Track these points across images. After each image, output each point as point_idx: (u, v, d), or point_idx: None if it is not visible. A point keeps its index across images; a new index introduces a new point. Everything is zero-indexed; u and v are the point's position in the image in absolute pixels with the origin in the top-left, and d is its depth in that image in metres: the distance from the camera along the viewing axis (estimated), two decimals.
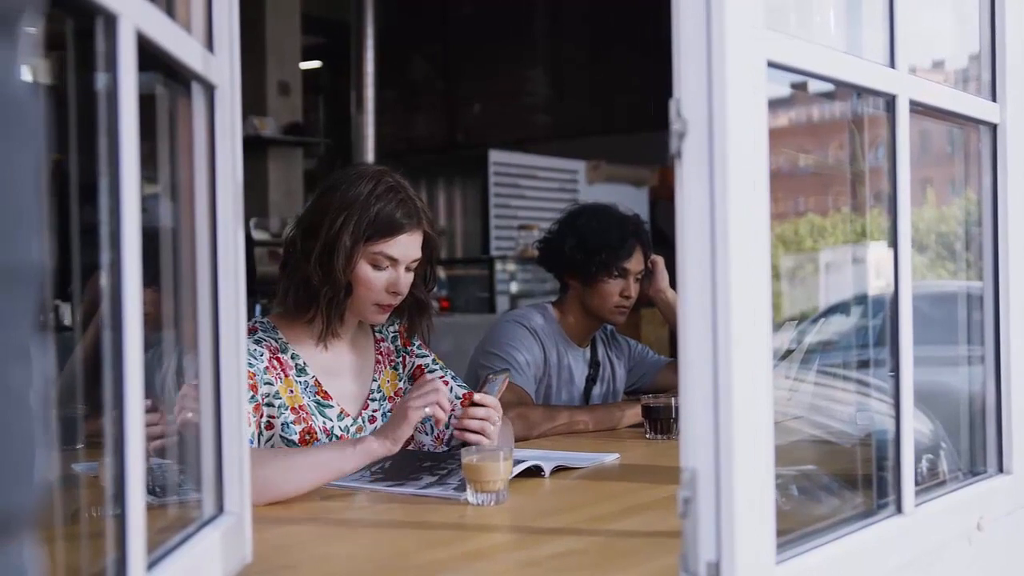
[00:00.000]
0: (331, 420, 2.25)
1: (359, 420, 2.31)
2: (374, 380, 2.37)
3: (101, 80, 1.04)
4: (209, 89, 1.37)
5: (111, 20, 1.02)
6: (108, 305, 1.03)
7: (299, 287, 2.23)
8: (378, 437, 2.02)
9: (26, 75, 0.60)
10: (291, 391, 2.21)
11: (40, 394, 0.61)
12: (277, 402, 2.18)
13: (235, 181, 1.41)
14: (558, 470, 2.22)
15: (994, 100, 1.84)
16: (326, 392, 2.27)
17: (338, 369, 2.32)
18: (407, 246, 2.24)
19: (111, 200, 1.03)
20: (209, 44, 1.38)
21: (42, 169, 0.61)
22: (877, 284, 1.97)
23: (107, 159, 1.03)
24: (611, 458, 2.39)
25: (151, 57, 1.14)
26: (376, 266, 2.22)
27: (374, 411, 2.35)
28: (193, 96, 1.36)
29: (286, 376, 2.22)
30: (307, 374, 2.25)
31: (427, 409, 2.01)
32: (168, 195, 1.41)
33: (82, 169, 1.06)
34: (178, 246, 1.40)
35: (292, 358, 2.25)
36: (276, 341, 2.25)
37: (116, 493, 1.03)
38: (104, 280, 1.05)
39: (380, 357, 2.41)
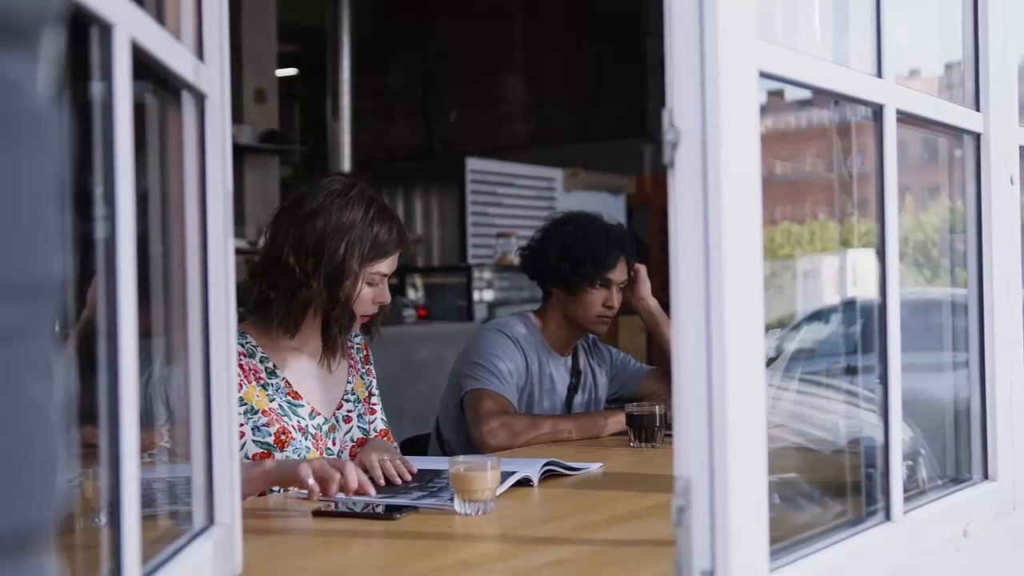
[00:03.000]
0: (303, 419, 2.32)
1: (332, 419, 2.39)
2: (348, 382, 2.46)
3: (95, 89, 1.03)
4: (200, 98, 1.37)
5: (106, 29, 1.01)
6: (103, 315, 1.02)
7: (300, 308, 2.29)
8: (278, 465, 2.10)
9: (46, 88, 0.60)
10: (259, 395, 2.27)
11: (59, 407, 0.60)
12: (243, 407, 2.23)
13: (225, 190, 1.41)
14: (547, 476, 2.22)
15: (977, 109, 1.86)
16: (296, 392, 2.34)
17: (311, 371, 2.39)
18: (395, 261, 2.38)
19: (106, 209, 1.02)
20: (199, 53, 1.37)
21: (62, 182, 0.61)
22: (856, 291, 1.98)
23: (102, 168, 1.02)
24: (595, 467, 2.39)
25: (142, 66, 1.13)
26: (370, 284, 2.33)
27: (348, 411, 2.44)
28: (183, 105, 1.35)
29: (250, 382, 2.27)
30: (278, 376, 2.32)
31: (311, 481, 1.94)
32: (157, 204, 1.40)
33: (74, 178, 1.06)
34: (167, 255, 1.39)
35: (261, 361, 2.32)
36: (243, 346, 2.30)
37: (112, 504, 1.02)
38: (91, 289, 1.04)
39: (352, 362, 2.50)
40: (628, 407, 2.77)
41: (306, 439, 2.30)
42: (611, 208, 7.58)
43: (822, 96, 1.63)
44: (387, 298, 2.37)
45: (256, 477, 2.06)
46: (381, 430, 2.49)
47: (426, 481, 2.17)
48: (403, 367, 5.71)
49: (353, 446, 2.41)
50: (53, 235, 0.59)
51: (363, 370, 2.53)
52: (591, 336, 3.25)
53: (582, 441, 2.83)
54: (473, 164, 8.23)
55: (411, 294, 7.50)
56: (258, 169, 7.75)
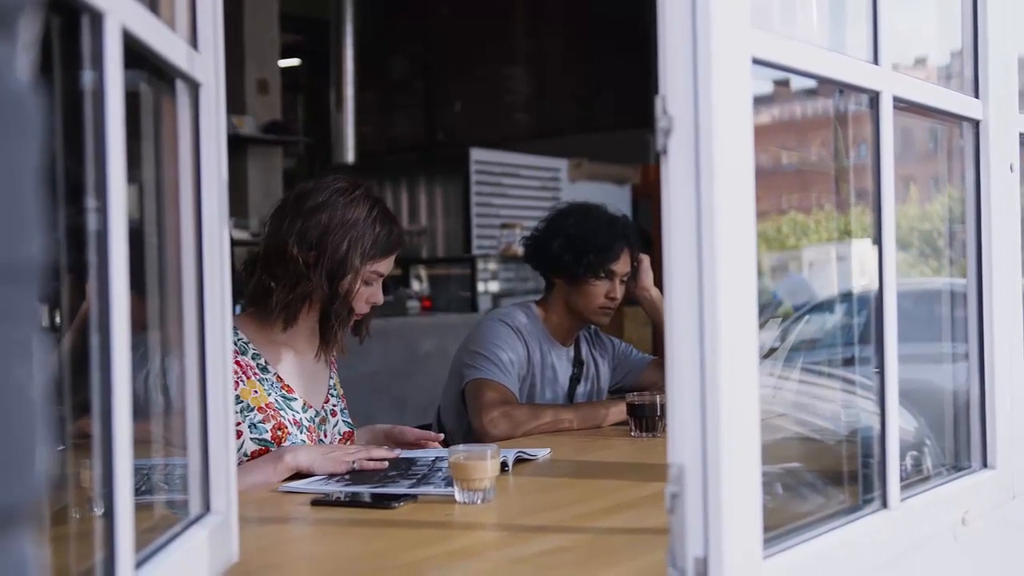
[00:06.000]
0: (297, 412, 2.36)
1: (322, 412, 2.44)
2: (331, 378, 2.52)
3: (87, 78, 1.03)
4: (194, 87, 1.37)
5: (97, 18, 1.01)
6: (95, 307, 1.03)
7: (299, 300, 2.33)
8: (297, 451, 2.17)
9: (24, 73, 0.60)
10: (255, 392, 2.30)
11: (40, 388, 0.61)
12: (239, 406, 2.25)
13: (220, 180, 1.41)
14: (518, 462, 2.27)
15: (977, 96, 1.85)
16: (289, 386, 2.37)
17: (298, 367, 2.42)
18: (392, 262, 2.42)
19: (98, 200, 1.02)
20: (194, 42, 1.37)
21: (41, 167, 0.61)
22: (860, 282, 1.98)
23: (93, 158, 1.02)
24: (544, 452, 2.42)
25: (135, 55, 1.13)
26: (366, 282, 2.37)
27: (333, 406, 2.49)
28: (177, 94, 1.35)
29: (248, 378, 2.30)
30: (269, 372, 2.35)
31: (355, 465, 2.17)
32: (152, 195, 1.40)
33: (66, 168, 1.06)
34: (162, 246, 1.39)
35: (253, 358, 2.34)
36: (235, 343, 2.31)
37: (105, 494, 1.02)
38: (89, 281, 1.05)
39: (332, 360, 2.55)
40: (629, 397, 2.78)
41: (301, 432, 2.32)
42: (616, 199, 7.58)
43: (823, 84, 1.62)
44: (380, 299, 2.43)
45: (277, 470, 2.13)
46: (345, 432, 2.51)
47: (405, 469, 2.17)
48: (406, 358, 5.72)
49: (340, 439, 2.45)
50: (33, 220, 0.59)
51: (337, 369, 2.59)
52: (593, 326, 3.25)
53: (583, 431, 2.83)
54: (477, 155, 8.23)
55: (415, 285, 7.51)
56: (261, 160, 7.75)
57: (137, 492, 1.14)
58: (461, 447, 1.99)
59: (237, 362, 2.28)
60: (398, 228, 2.41)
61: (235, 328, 2.33)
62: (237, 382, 2.25)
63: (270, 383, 2.33)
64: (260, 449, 2.25)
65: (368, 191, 2.39)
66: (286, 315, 2.33)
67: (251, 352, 2.34)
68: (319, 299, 2.34)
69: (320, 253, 2.30)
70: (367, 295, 2.38)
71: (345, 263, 2.31)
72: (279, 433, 2.28)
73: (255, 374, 2.32)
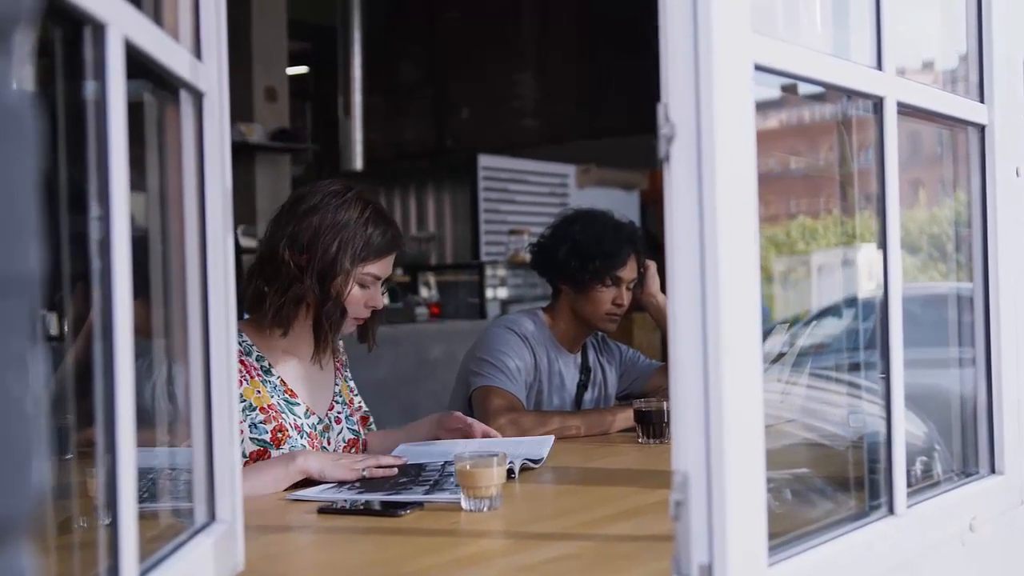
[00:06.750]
0: (299, 417, 2.36)
1: (326, 419, 2.43)
2: (336, 385, 2.51)
3: (89, 88, 1.04)
4: (197, 96, 1.37)
5: (99, 29, 1.01)
6: (98, 315, 1.03)
7: (292, 303, 2.32)
8: (307, 456, 2.16)
9: (21, 84, 0.60)
10: (258, 392, 2.31)
11: (36, 401, 0.61)
12: (241, 404, 2.25)
13: (224, 189, 1.41)
14: (524, 469, 2.26)
15: (982, 101, 1.85)
16: (292, 391, 2.37)
17: (303, 373, 2.42)
18: (390, 265, 2.40)
19: (101, 209, 1.03)
20: (197, 51, 1.37)
21: (38, 178, 0.61)
22: (869, 286, 1.97)
23: (96, 167, 1.03)
24: (548, 441, 2.46)
25: (139, 65, 1.14)
26: (362, 285, 2.36)
27: (338, 413, 2.49)
28: (181, 104, 1.36)
29: (252, 378, 2.31)
30: (273, 375, 2.35)
31: (365, 472, 2.16)
32: (156, 204, 1.40)
33: (69, 177, 1.06)
34: (167, 255, 1.39)
35: (257, 360, 2.35)
36: (240, 345, 2.32)
37: (108, 502, 1.03)
38: (94, 290, 1.05)
39: (338, 366, 2.54)
40: (636, 403, 2.77)
41: (301, 437, 2.32)
42: (624, 204, 7.57)
43: (827, 90, 1.62)
44: (379, 303, 2.40)
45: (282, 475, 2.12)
46: (350, 439, 2.51)
47: (415, 476, 2.17)
48: (416, 365, 5.72)
49: (345, 447, 2.44)
50: (30, 232, 0.60)
51: (346, 374, 2.58)
52: (600, 333, 3.24)
53: (590, 437, 2.82)
54: (485, 161, 8.24)
55: (424, 292, 7.50)
56: (269, 168, 7.75)
57: (141, 500, 1.14)
58: (467, 454, 1.98)
59: (241, 361, 2.29)
60: (393, 230, 2.39)
61: (239, 332, 2.33)
62: (240, 380, 2.25)
63: (273, 386, 2.33)
64: (259, 450, 2.26)
65: (361, 193, 2.38)
66: (279, 319, 2.31)
67: (255, 354, 2.34)
68: (313, 303, 2.33)
69: (311, 255, 2.30)
70: (365, 298, 2.36)
71: (335, 264, 2.30)
72: (279, 435, 2.28)
73: (258, 375, 2.32)
